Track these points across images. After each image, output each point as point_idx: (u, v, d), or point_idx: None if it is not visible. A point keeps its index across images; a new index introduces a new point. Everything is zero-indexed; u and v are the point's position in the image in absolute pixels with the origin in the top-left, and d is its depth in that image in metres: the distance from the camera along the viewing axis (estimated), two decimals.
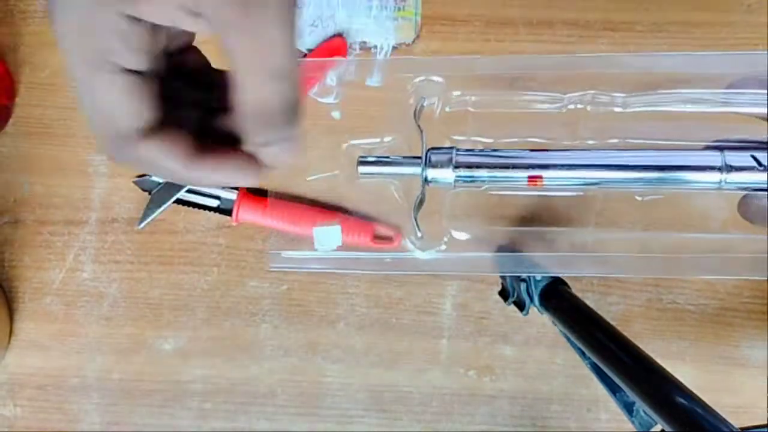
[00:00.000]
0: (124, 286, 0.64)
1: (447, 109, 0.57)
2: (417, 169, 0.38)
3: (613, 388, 0.42)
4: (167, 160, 0.29)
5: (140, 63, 0.28)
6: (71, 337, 0.64)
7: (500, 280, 0.60)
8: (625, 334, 0.41)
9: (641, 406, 0.39)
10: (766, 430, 0.37)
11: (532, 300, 0.52)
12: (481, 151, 0.39)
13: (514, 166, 0.37)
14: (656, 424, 0.37)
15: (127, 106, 0.28)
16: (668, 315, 0.62)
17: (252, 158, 0.30)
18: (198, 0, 0.25)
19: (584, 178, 0.36)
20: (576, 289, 0.51)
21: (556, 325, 0.48)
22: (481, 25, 0.64)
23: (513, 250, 0.61)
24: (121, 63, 0.27)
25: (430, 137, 0.61)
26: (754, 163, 0.34)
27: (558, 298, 0.49)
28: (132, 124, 0.28)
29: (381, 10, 0.63)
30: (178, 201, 0.63)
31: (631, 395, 0.38)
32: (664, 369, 0.36)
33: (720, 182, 0.34)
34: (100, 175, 0.64)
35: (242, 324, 0.63)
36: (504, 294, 0.58)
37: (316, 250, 0.49)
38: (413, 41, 0.64)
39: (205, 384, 0.63)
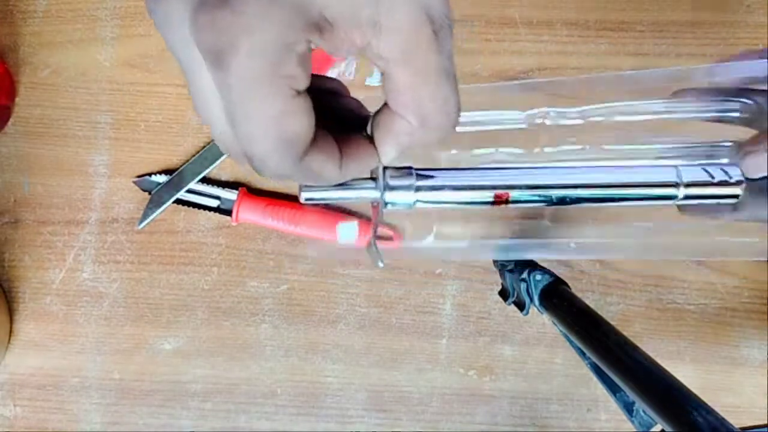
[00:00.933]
0: (124, 286, 0.64)
1: None
2: (374, 193, 0.34)
3: (613, 388, 0.42)
4: (328, 167, 0.30)
5: (307, 84, 0.28)
6: (71, 337, 0.64)
7: (500, 280, 0.60)
8: (625, 333, 0.41)
9: (641, 406, 0.39)
10: (765, 430, 0.37)
11: (532, 300, 0.52)
12: (443, 170, 0.36)
13: (479, 187, 0.35)
14: (656, 424, 0.37)
15: (300, 124, 0.28)
16: (668, 315, 0.62)
17: (371, 145, 0.31)
18: (385, 44, 0.28)
19: (547, 196, 0.35)
20: (576, 289, 0.51)
21: (555, 325, 0.48)
22: (481, 25, 0.64)
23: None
24: (297, 87, 0.27)
25: (425, 154, 0.61)
26: (707, 177, 0.35)
27: (558, 298, 0.49)
28: (304, 139, 0.28)
29: None
30: (178, 201, 0.63)
31: (631, 395, 0.38)
32: (663, 369, 0.36)
33: (676, 197, 0.35)
34: (100, 176, 0.64)
35: (242, 324, 0.63)
36: (504, 294, 0.58)
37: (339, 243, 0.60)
38: None
39: (205, 384, 0.63)
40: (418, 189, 0.35)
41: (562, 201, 0.35)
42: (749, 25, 0.63)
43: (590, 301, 0.62)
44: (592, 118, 0.59)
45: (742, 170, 0.35)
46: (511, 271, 0.56)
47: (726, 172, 0.35)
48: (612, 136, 0.59)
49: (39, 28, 0.65)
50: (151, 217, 0.63)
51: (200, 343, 0.63)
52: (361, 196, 0.34)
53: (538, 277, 0.51)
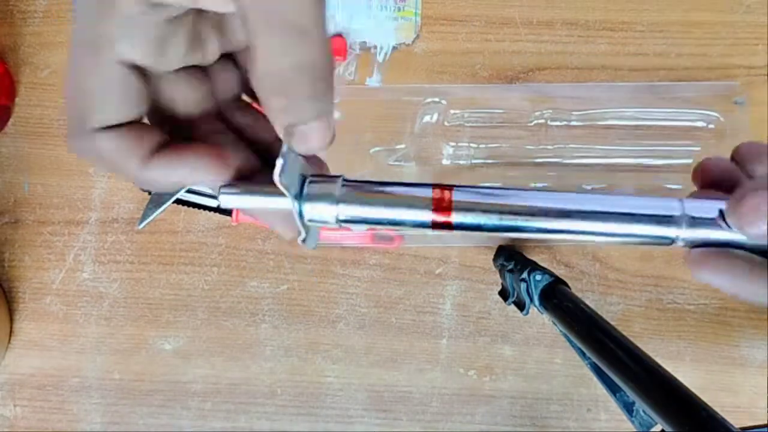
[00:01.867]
0: (125, 286, 0.64)
1: (446, 123, 0.60)
2: (288, 203, 0.28)
3: (613, 388, 0.42)
4: (122, 158, 0.28)
5: (141, 54, 0.27)
6: (71, 337, 0.64)
7: (500, 280, 0.60)
8: (625, 334, 0.41)
9: (641, 406, 0.39)
10: (765, 430, 0.37)
11: (532, 300, 0.52)
12: (377, 183, 0.30)
13: (412, 206, 0.29)
14: (656, 424, 0.37)
15: (109, 97, 0.27)
16: (668, 315, 0.62)
17: (217, 153, 0.29)
18: None
19: (504, 224, 0.29)
20: (576, 289, 0.51)
21: (555, 325, 0.48)
22: (481, 25, 0.64)
23: (513, 248, 0.61)
24: (122, 53, 0.27)
25: (431, 146, 0.62)
26: (719, 219, 0.28)
27: (558, 298, 0.49)
28: (103, 115, 0.27)
29: (381, 10, 0.63)
30: (179, 201, 0.63)
31: (631, 395, 0.38)
32: (663, 369, 0.36)
33: (676, 238, 0.28)
34: (100, 176, 0.64)
35: (242, 324, 0.63)
36: (504, 294, 0.58)
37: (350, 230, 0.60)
38: (413, 41, 0.64)
39: (205, 384, 0.63)
40: (340, 201, 0.29)
41: (523, 230, 0.29)
42: (749, 25, 0.63)
43: (590, 301, 0.62)
44: (590, 121, 0.61)
45: (736, 225, 0.28)
46: (511, 271, 0.56)
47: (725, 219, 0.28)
48: (610, 136, 0.61)
49: (39, 29, 0.65)
50: (151, 217, 0.63)
51: (200, 343, 0.63)
52: (276, 205, 0.29)
53: (538, 277, 0.51)
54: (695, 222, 0.28)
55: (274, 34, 0.24)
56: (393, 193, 0.29)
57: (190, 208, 0.63)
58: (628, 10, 0.64)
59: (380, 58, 0.64)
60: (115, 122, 0.28)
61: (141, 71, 0.28)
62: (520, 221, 0.28)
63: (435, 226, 0.29)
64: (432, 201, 0.29)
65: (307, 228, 0.30)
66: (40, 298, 0.64)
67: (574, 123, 0.62)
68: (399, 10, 0.64)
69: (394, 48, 0.64)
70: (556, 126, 0.62)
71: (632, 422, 0.41)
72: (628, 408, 0.41)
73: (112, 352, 0.64)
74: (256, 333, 0.63)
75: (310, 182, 0.29)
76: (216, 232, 0.64)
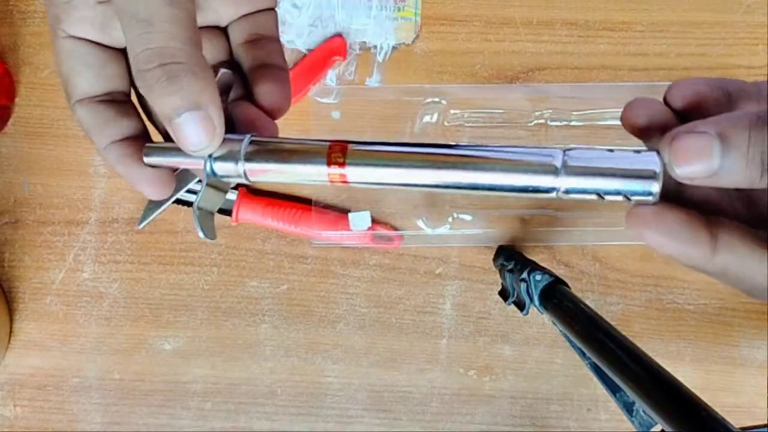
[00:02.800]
0: (124, 286, 0.64)
1: (446, 123, 0.60)
2: (198, 161, 0.31)
3: (613, 388, 0.42)
4: (91, 132, 0.32)
5: (85, 32, 0.31)
6: (71, 337, 0.64)
7: (500, 280, 0.60)
8: (625, 333, 0.41)
9: (641, 406, 0.39)
10: (765, 430, 0.37)
11: (531, 300, 0.52)
12: (282, 140, 0.32)
13: (309, 161, 0.31)
14: (656, 424, 0.37)
15: (75, 70, 0.31)
16: (668, 315, 0.62)
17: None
18: None
19: (392, 180, 0.30)
20: (576, 289, 0.51)
21: (555, 325, 0.48)
22: (481, 25, 0.64)
23: (513, 248, 0.61)
24: (67, 30, 0.31)
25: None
26: (600, 166, 0.27)
27: (558, 298, 0.49)
28: (74, 89, 0.31)
29: (381, 10, 0.63)
30: (178, 201, 0.63)
31: (631, 395, 0.38)
32: (663, 369, 0.36)
33: (554, 189, 0.27)
34: (100, 176, 0.64)
35: (242, 324, 0.63)
36: (504, 294, 0.58)
37: (351, 231, 0.61)
38: (413, 41, 0.64)
39: (205, 384, 0.63)
40: (248, 158, 0.31)
41: (412, 183, 0.29)
42: (749, 25, 0.63)
43: (590, 301, 0.62)
44: (590, 121, 0.61)
45: (666, 159, 0.26)
46: (511, 271, 0.56)
47: (631, 161, 0.26)
48: (610, 136, 0.61)
49: (39, 29, 0.65)
50: (151, 217, 0.63)
51: (200, 343, 0.63)
52: (189, 162, 0.32)
53: (538, 277, 0.51)
54: (574, 171, 0.27)
55: (126, 25, 0.28)
56: (293, 149, 0.31)
57: (190, 208, 0.63)
58: (628, 10, 0.64)
59: (380, 58, 0.64)
60: (85, 95, 0.32)
61: (104, 47, 0.32)
62: (409, 174, 0.29)
63: (332, 179, 0.31)
64: (327, 155, 0.30)
65: (202, 215, 0.33)
66: (40, 298, 0.64)
67: (574, 123, 0.62)
68: (399, 10, 0.64)
69: (393, 48, 0.64)
70: (556, 126, 0.62)
71: (632, 422, 0.41)
72: (628, 408, 0.41)
73: (112, 352, 0.64)
74: (256, 333, 0.63)
75: (223, 142, 0.31)
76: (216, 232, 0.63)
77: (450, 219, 0.62)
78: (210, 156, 0.31)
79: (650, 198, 0.26)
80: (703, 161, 0.24)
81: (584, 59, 0.64)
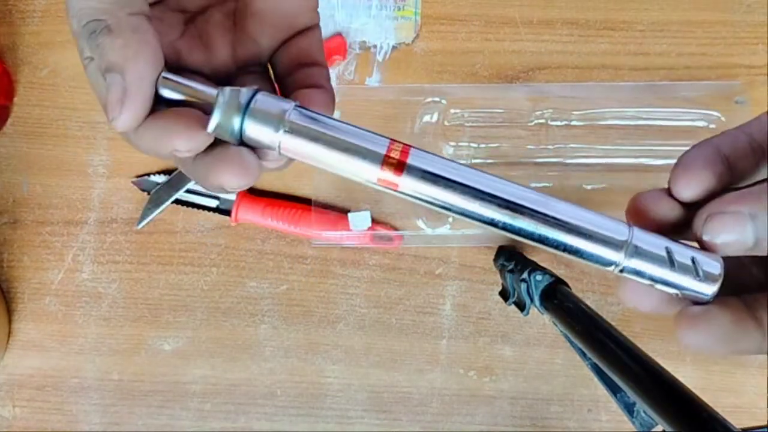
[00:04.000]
0: (123, 287, 0.64)
1: (446, 123, 0.60)
2: (212, 95, 0.27)
3: (613, 389, 0.42)
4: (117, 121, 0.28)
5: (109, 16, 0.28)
6: (70, 338, 0.64)
7: (500, 281, 0.60)
8: (626, 334, 0.41)
9: (642, 407, 0.39)
10: (766, 430, 0.37)
11: (532, 300, 0.51)
12: (334, 121, 0.28)
13: (362, 156, 0.27)
14: (657, 424, 0.36)
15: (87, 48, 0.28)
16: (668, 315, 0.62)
17: (194, 120, 0.27)
18: None
19: (449, 204, 0.27)
20: (576, 290, 0.51)
21: (556, 325, 0.48)
22: (481, 25, 0.64)
23: (513, 248, 0.61)
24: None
25: (431, 146, 0.62)
26: (666, 256, 0.27)
27: (558, 299, 0.49)
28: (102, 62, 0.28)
29: (381, 9, 0.63)
30: (177, 201, 0.63)
31: (632, 395, 0.37)
32: (664, 369, 0.36)
33: (617, 263, 0.27)
34: (99, 176, 0.64)
35: (242, 324, 0.63)
36: (504, 294, 0.58)
37: (351, 231, 0.61)
38: (413, 41, 0.64)
39: (204, 384, 0.63)
40: (291, 130, 0.26)
41: (471, 216, 0.27)
42: (749, 25, 0.63)
43: (591, 301, 0.62)
44: (590, 121, 0.61)
45: (701, 236, 0.27)
46: (511, 271, 0.56)
47: (695, 263, 0.27)
48: (610, 136, 0.61)
49: (38, 28, 0.65)
50: (150, 218, 0.63)
51: (200, 343, 0.63)
52: (201, 94, 0.27)
53: (539, 277, 0.51)
54: (639, 252, 0.27)
55: None
56: (346, 138, 0.27)
57: (189, 208, 0.63)
58: (629, 9, 0.64)
59: (380, 58, 0.64)
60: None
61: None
62: (471, 204, 0.27)
63: (381, 182, 0.27)
64: (384, 156, 0.27)
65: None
66: (39, 299, 0.64)
67: (574, 123, 0.62)
68: (399, 9, 0.63)
69: (393, 47, 0.64)
70: (557, 126, 0.62)
71: (633, 423, 0.41)
72: (629, 408, 0.41)
73: (111, 352, 0.63)
74: (255, 333, 0.63)
75: (261, 95, 0.27)
76: (215, 232, 0.63)
77: (450, 219, 0.62)
78: (245, 110, 0.26)
79: (705, 298, 0.27)
80: (739, 240, 0.26)
81: (585, 59, 0.63)
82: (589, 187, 0.61)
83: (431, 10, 0.64)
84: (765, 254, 0.26)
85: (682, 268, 0.27)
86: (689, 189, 0.28)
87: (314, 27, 0.33)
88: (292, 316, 0.63)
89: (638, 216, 0.28)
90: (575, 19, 0.64)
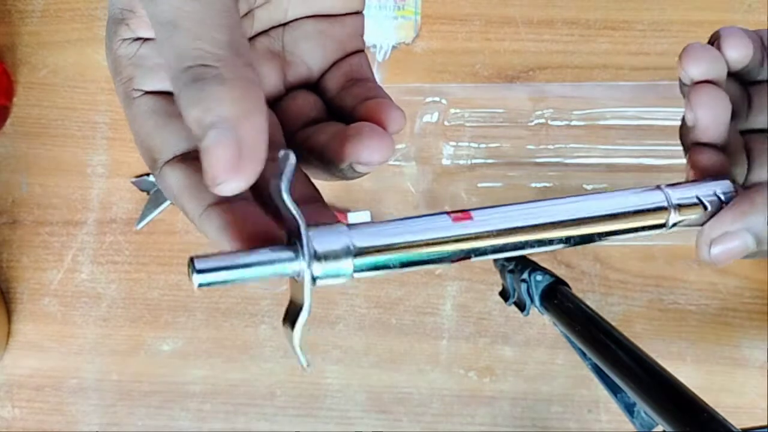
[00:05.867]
0: (123, 287, 0.64)
1: (446, 123, 0.60)
2: (295, 266, 0.24)
3: (614, 389, 0.42)
4: (185, 198, 0.27)
5: (163, 82, 0.27)
6: (69, 338, 0.63)
7: (500, 281, 0.60)
8: (626, 334, 0.41)
9: (642, 407, 0.39)
10: (766, 430, 0.37)
11: (532, 300, 0.51)
12: (386, 224, 0.26)
13: (434, 243, 0.26)
14: (657, 425, 0.36)
15: (155, 129, 0.27)
16: (669, 315, 0.62)
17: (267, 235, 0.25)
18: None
19: (513, 243, 0.27)
20: (577, 290, 0.51)
21: (556, 325, 0.48)
22: (481, 25, 0.64)
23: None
24: (143, 86, 0.27)
25: (431, 146, 0.62)
26: (697, 201, 0.30)
27: (558, 299, 0.49)
28: (159, 152, 0.27)
29: (381, 9, 0.63)
30: None
31: (632, 396, 0.37)
32: (665, 369, 0.36)
33: (666, 223, 0.30)
34: (98, 176, 0.64)
35: (241, 325, 0.63)
36: (504, 294, 0.58)
37: None
38: (413, 41, 0.64)
39: (204, 385, 0.63)
40: (359, 253, 0.24)
41: (539, 243, 0.28)
42: (749, 25, 0.63)
43: (591, 301, 0.62)
44: (591, 121, 0.61)
45: (705, 258, 0.30)
46: (511, 271, 0.56)
47: (717, 195, 0.31)
48: (611, 136, 0.61)
49: (37, 28, 0.65)
50: (150, 218, 0.63)
51: (199, 344, 0.63)
52: (277, 271, 0.24)
53: (539, 277, 0.51)
54: (681, 208, 0.30)
55: (155, 34, 0.24)
56: (413, 239, 0.26)
57: None
58: (629, 9, 0.64)
59: (380, 58, 0.63)
60: (174, 154, 0.27)
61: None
62: (531, 240, 0.28)
63: (457, 259, 0.27)
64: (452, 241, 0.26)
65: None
66: (38, 299, 0.64)
67: (574, 123, 0.62)
68: (399, 9, 0.63)
69: (393, 47, 0.64)
70: (557, 126, 0.62)
71: (633, 423, 0.41)
72: (629, 409, 0.41)
73: (110, 353, 0.63)
74: (255, 334, 0.63)
75: (315, 236, 0.24)
76: None
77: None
78: (311, 258, 0.23)
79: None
80: (742, 252, 0.29)
81: (585, 58, 0.63)
82: (589, 187, 0.61)
83: (431, 10, 0.64)
84: None
85: (712, 205, 0.30)
86: (739, 48, 0.33)
87: (362, 51, 0.33)
88: None
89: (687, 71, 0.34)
90: (575, 19, 0.64)
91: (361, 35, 0.33)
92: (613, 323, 0.43)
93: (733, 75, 0.32)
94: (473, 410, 0.62)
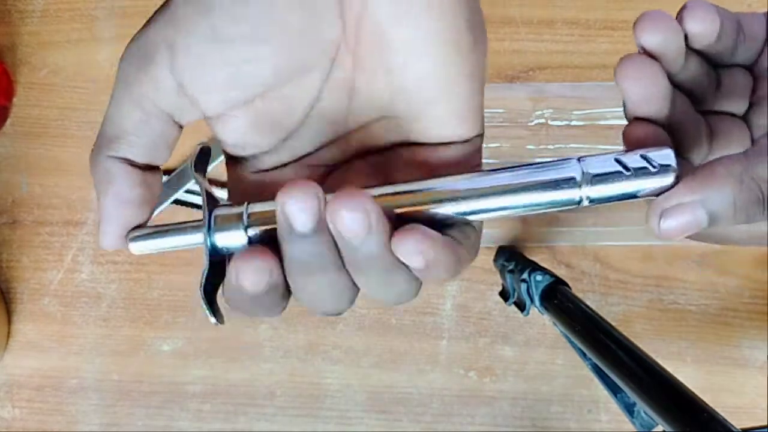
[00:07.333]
0: (123, 287, 0.64)
1: None
2: (200, 237, 0.29)
3: (613, 389, 0.42)
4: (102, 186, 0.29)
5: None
6: (69, 338, 0.63)
7: (500, 281, 0.60)
8: (626, 334, 0.41)
9: (642, 407, 0.39)
10: (766, 430, 0.37)
11: (532, 300, 0.51)
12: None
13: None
14: (657, 424, 0.36)
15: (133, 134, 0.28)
16: (669, 315, 0.62)
17: None
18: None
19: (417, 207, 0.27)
20: (576, 290, 0.51)
21: (556, 325, 0.48)
22: None
23: (513, 248, 0.61)
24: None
25: None
26: (620, 168, 0.27)
27: (558, 299, 0.49)
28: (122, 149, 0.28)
29: None
30: (177, 201, 0.62)
31: (632, 396, 0.37)
32: (664, 369, 0.36)
33: (580, 199, 0.27)
34: None
35: (241, 325, 0.63)
36: (504, 294, 0.58)
37: None
38: None
39: (204, 385, 0.63)
40: (250, 225, 0.27)
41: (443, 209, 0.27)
42: None
43: (591, 301, 0.62)
44: (591, 121, 0.61)
45: (657, 231, 0.27)
46: (511, 271, 0.56)
47: (647, 159, 0.27)
48: (611, 136, 0.61)
49: (37, 28, 0.65)
50: (150, 218, 0.63)
51: (199, 344, 0.63)
52: (191, 242, 0.29)
53: (539, 277, 0.51)
54: (598, 179, 0.27)
55: None
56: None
57: (189, 209, 0.63)
58: (629, 8, 0.64)
59: None
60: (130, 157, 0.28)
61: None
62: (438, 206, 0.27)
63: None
64: None
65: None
66: (38, 299, 0.64)
67: (574, 123, 0.62)
68: None
69: None
70: (557, 126, 0.62)
71: (633, 423, 0.41)
72: (629, 409, 0.41)
73: (110, 353, 0.63)
74: (255, 334, 0.63)
75: (219, 213, 0.28)
76: None
77: None
78: (209, 228, 0.28)
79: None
80: (694, 228, 0.26)
81: (585, 58, 0.63)
82: None
83: None
84: (730, 224, 0.26)
85: (640, 171, 0.26)
86: (702, 22, 0.28)
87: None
88: (291, 317, 0.63)
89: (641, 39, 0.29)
90: (575, 19, 0.64)
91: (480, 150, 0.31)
92: (613, 323, 0.43)
93: (702, 55, 0.29)
94: (473, 410, 0.62)
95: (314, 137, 0.28)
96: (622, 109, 0.29)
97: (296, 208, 0.24)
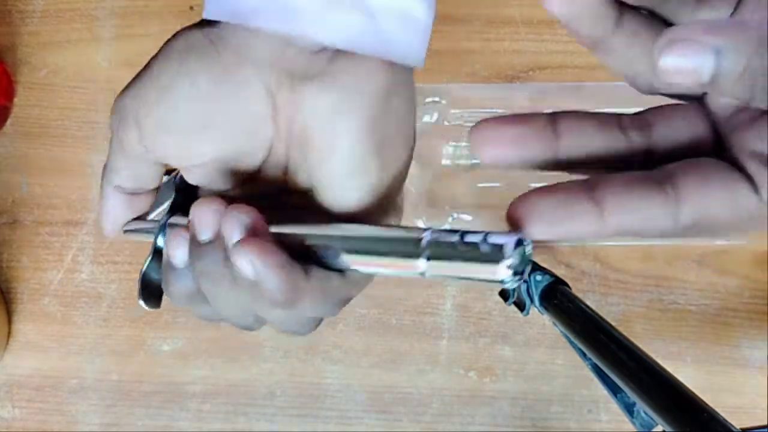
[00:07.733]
0: (123, 287, 0.64)
1: (446, 123, 0.60)
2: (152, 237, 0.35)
3: (614, 389, 0.42)
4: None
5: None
6: (69, 338, 0.63)
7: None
8: (626, 334, 0.41)
9: (642, 407, 0.39)
10: (766, 430, 0.37)
11: (532, 300, 0.51)
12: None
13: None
14: (657, 425, 0.36)
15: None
16: (669, 315, 0.62)
17: None
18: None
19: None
20: (576, 290, 0.51)
21: (556, 325, 0.48)
22: (481, 24, 0.64)
23: None
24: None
25: (431, 146, 0.62)
26: (455, 239, 0.25)
27: (558, 299, 0.49)
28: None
29: None
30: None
31: (632, 396, 0.37)
32: (664, 369, 0.36)
33: (422, 273, 0.26)
34: (98, 176, 0.63)
35: None
36: (504, 294, 0.58)
37: None
38: None
39: (204, 385, 0.63)
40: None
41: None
42: None
43: (591, 301, 0.62)
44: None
45: (659, 62, 0.22)
46: None
47: (486, 240, 0.25)
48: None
49: (37, 28, 0.65)
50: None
51: (199, 344, 0.63)
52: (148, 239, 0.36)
53: (539, 277, 0.51)
54: (435, 247, 0.26)
55: None
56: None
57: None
58: None
59: None
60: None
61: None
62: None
63: None
64: None
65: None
66: (38, 299, 0.64)
67: None
68: None
69: None
70: None
71: (633, 423, 0.41)
72: (629, 409, 0.41)
73: (110, 353, 0.63)
74: (255, 334, 0.63)
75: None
76: None
77: (450, 219, 0.62)
78: (163, 226, 0.34)
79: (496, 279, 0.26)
80: (692, 75, 0.22)
81: (585, 58, 0.63)
82: None
83: None
84: (718, 95, 0.25)
85: (473, 245, 0.25)
86: None
87: None
88: None
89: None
90: None
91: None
92: (613, 323, 0.43)
93: None
94: (473, 410, 0.62)
95: (263, 186, 0.34)
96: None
97: (197, 220, 0.30)
